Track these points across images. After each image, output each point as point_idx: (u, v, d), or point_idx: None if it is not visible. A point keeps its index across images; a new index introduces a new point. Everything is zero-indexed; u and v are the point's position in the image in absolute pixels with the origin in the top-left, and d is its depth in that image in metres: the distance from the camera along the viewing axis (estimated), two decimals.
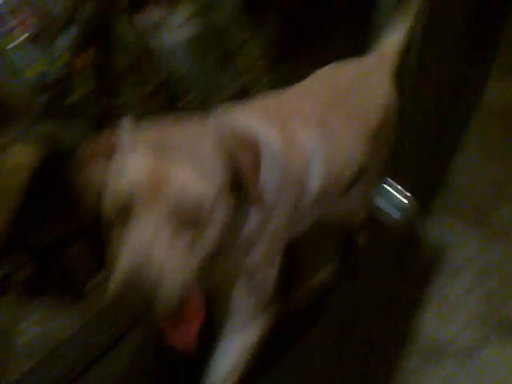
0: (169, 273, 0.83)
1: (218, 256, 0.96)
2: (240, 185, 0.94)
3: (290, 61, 2.50)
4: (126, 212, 0.87)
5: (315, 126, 1.22)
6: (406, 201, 1.90)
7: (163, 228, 0.85)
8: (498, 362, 1.77)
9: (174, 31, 2.34)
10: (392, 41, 1.60)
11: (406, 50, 1.64)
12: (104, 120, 2.08)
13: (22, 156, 1.78)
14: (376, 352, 1.67)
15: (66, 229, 1.92)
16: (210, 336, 1.15)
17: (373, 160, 1.43)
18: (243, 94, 2.58)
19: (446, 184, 2.26)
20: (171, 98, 2.40)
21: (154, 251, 0.83)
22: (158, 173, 0.87)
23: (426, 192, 2.08)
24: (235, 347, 1.19)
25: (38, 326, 1.90)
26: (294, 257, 1.35)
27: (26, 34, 1.91)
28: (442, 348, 1.80)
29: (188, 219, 0.87)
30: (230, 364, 1.20)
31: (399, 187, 1.91)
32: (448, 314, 1.92)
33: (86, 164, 0.97)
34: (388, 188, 1.93)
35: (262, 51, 2.49)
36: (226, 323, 1.19)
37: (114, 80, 2.18)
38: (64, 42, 2.02)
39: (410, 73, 1.94)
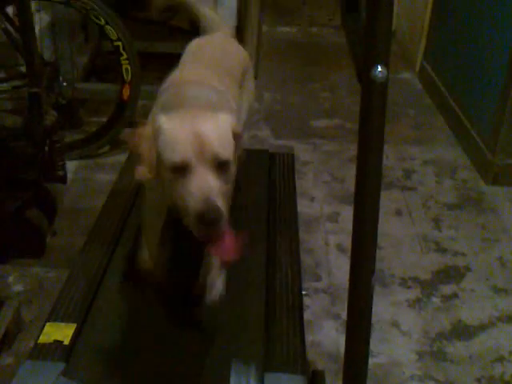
0: (222, 200, 1.38)
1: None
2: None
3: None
4: (183, 169, 1.39)
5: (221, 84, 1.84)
6: None
7: (213, 174, 1.40)
8: None
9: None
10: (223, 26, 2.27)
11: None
12: None
13: None
14: None
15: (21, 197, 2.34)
16: None
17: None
18: None
19: None
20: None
21: (214, 188, 1.38)
22: (198, 142, 1.40)
23: None
24: None
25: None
26: None
27: None
28: None
29: (222, 169, 1.42)
30: None
31: None
32: None
33: (137, 145, 1.51)
34: None
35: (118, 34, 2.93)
36: None
37: None
38: None
39: None
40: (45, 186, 2.40)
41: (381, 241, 2.61)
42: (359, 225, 1.23)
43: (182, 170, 1.40)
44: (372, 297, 1.22)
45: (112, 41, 2.89)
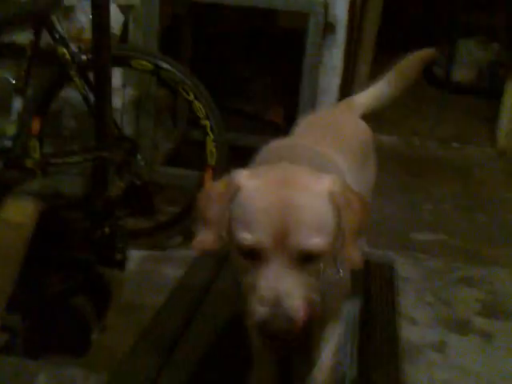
0: (302, 303, 1.09)
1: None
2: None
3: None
4: (256, 254, 1.09)
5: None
6: None
7: (289, 270, 1.08)
8: None
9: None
10: (360, 96, 2.02)
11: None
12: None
13: (21, 214, 1.82)
14: None
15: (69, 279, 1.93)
16: None
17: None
18: None
19: None
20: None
21: (289, 292, 1.07)
22: (282, 223, 1.08)
23: None
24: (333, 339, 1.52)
25: None
26: None
27: None
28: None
29: (310, 261, 1.11)
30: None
31: None
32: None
33: (205, 204, 1.21)
34: None
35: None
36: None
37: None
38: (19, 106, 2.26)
39: None
40: (99, 270, 2.02)
41: None
42: None
43: (254, 255, 1.10)
44: None
45: (199, 118, 2.59)
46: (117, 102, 2.75)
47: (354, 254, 1.20)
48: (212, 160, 2.61)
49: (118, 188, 1.96)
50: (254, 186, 1.14)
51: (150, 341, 1.83)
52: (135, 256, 2.61)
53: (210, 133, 2.59)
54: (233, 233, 1.15)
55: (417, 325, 2.38)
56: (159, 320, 1.98)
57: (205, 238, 1.21)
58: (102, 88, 2.03)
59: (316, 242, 1.09)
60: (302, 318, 1.09)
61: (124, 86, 2.86)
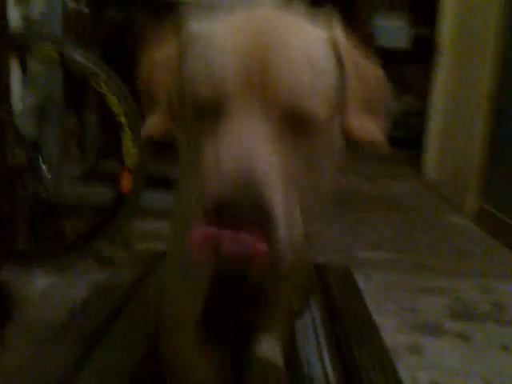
0: (276, 177, 0.70)
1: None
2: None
3: None
4: (214, 110, 0.74)
5: None
6: None
7: (265, 124, 0.71)
8: None
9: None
10: None
11: None
12: None
13: None
14: None
15: None
16: None
17: None
18: None
19: None
20: None
21: (260, 149, 0.69)
22: (257, 62, 0.73)
23: None
24: None
25: None
26: None
27: None
28: None
29: (294, 123, 0.74)
30: None
31: None
32: None
33: (152, 73, 0.86)
34: None
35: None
36: None
37: None
38: None
39: None
40: None
41: None
42: None
43: (216, 109, 0.75)
44: None
45: (115, 115, 2.22)
46: (16, 108, 2.34)
47: (366, 126, 0.86)
48: (130, 162, 2.23)
49: (20, 157, 1.55)
50: (216, 27, 0.80)
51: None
52: (40, 278, 2.15)
53: (127, 131, 2.23)
54: (187, 92, 0.80)
55: (385, 331, 2.02)
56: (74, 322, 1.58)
57: (154, 120, 0.86)
58: None
59: (307, 81, 0.75)
60: (275, 200, 0.71)
61: (24, 90, 2.46)
